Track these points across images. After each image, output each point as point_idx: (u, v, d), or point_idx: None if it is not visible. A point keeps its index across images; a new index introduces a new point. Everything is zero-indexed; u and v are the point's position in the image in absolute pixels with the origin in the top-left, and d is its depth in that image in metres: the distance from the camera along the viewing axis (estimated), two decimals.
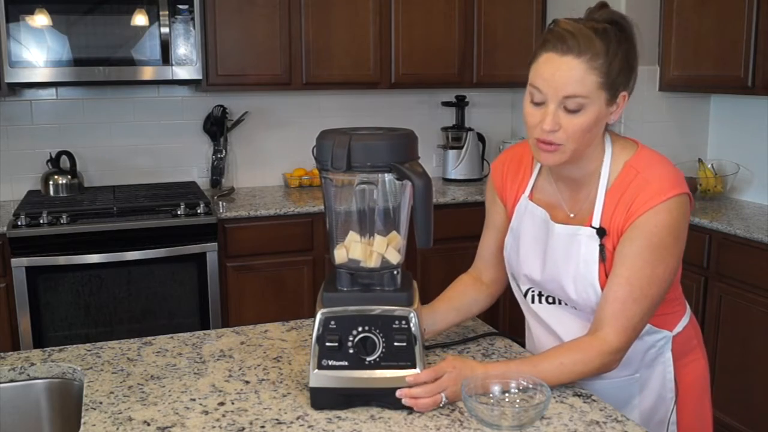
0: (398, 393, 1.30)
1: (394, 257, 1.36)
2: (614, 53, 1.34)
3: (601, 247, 1.42)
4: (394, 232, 1.37)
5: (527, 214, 1.55)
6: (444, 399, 1.32)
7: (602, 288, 1.42)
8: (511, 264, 1.59)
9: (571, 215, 1.48)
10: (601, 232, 1.41)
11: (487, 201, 1.70)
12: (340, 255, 1.38)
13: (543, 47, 1.36)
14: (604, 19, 1.37)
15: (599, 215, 1.42)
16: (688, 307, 1.59)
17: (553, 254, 1.48)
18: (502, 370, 1.35)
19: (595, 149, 1.44)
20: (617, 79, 1.35)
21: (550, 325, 1.55)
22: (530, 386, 1.31)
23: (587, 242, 1.43)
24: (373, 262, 1.35)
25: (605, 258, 1.42)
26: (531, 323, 1.63)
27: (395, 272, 1.36)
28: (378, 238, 1.36)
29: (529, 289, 1.58)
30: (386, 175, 1.31)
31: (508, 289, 1.69)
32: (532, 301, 1.58)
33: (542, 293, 1.55)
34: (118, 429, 1.27)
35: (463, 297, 1.67)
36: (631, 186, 1.40)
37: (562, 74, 1.33)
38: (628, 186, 1.40)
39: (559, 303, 1.52)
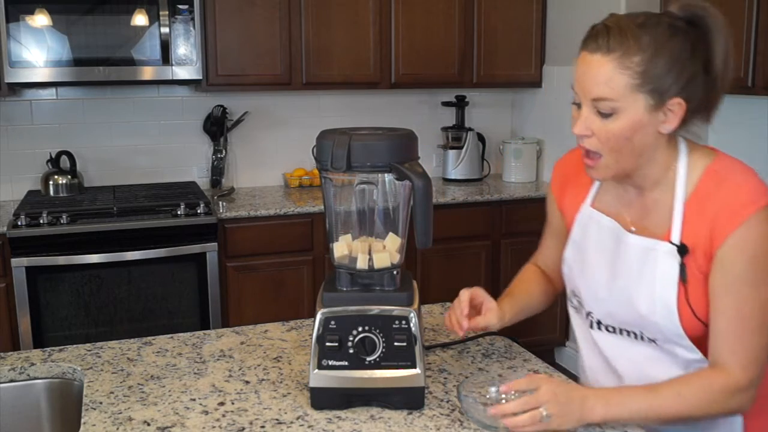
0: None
1: (393, 259, 1.36)
2: (659, 51, 1.18)
3: (682, 266, 1.25)
4: (391, 235, 1.37)
5: (592, 223, 1.40)
6: (545, 414, 1.17)
7: (679, 313, 1.26)
8: (572, 279, 1.45)
9: (633, 229, 1.33)
10: (682, 249, 1.25)
11: (547, 201, 1.57)
12: (339, 252, 1.38)
13: (581, 45, 1.25)
14: (681, 14, 1.23)
15: (679, 229, 1.26)
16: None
17: (625, 268, 1.32)
18: (612, 395, 1.24)
19: (662, 154, 1.27)
20: (663, 81, 1.19)
21: (607, 356, 1.40)
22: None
23: (665, 259, 1.27)
24: (369, 264, 1.35)
25: (686, 279, 1.25)
26: (585, 352, 1.49)
27: (395, 272, 1.36)
28: (376, 242, 1.36)
29: (590, 312, 1.42)
30: (386, 175, 1.31)
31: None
32: (591, 326, 1.42)
33: (601, 321, 1.40)
34: (118, 429, 1.27)
35: (535, 296, 1.58)
36: (715, 197, 1.23)
37: (591, 74, 1.22)
38: (711, 196, 1.24)
39: (620, 333, 1.37)
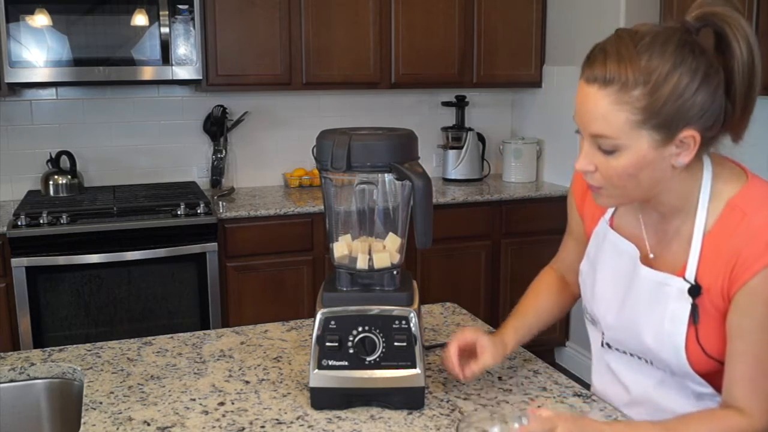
0: None
1: (393, 259, 1.36)
2: (664, 80, 1.05)
3: (694, 307, 1.17)
4: (391, 235, 1.37)
5: (607, 243, 1.32)
6: None
7: (687, 352, 1.20)
8: (585, 295, 1.40)
9: (651, 255, 1.25)
10: (695, 290, 1.17)
11: (568, 204, 1.48)
12: (339, 252, 1.38)
13: (581, 69, 1.14)
14: (698, 25, 1.10)
15: (695, 266, 1.17)
16: None
17: (634, 299, 1.26)
18: (625, 430, 1.19)
19: (681, 183, 1.17)
20: (670, 113, 1.06)
21: (617, 374, 1.37)
22: None
23: (678, 297, 1.19)
24: (369, 264, 1.35)
25: (698, 320, 1.18)
26: (596, 366, 1.44)
27: (395, 272, 1.36)
28: (376, 241, 1.37)
29: (602, 332, 1.38)
30: (386, 175, 1.31)
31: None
32: (602, 345, 1.39)
33: (611, 344, 1.36)
34: (118, 429, 1.27)
35: (544, 312, 1.55)
36: (736, 234, 1.13)
37: (587, 109, 1.10)
38: (731, 233, 1.14)
39: (631, 356, 1.33)
